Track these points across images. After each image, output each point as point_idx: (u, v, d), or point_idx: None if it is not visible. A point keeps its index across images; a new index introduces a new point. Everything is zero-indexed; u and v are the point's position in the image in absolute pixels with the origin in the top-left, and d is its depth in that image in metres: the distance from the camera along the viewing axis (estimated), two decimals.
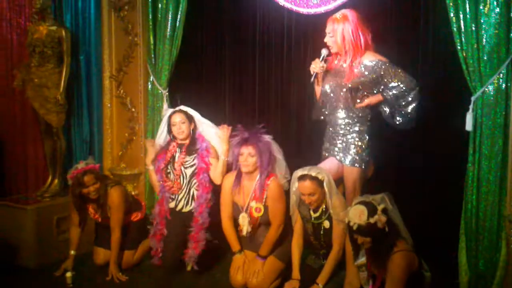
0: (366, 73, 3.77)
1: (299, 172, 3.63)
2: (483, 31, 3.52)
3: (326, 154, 3.98)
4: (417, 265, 3.18)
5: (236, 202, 4.03)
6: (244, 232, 3.98)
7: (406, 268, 3.08)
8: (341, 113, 3.86)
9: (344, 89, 3.81)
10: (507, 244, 3.58)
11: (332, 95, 3.88)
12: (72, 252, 4.30)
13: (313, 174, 3.56)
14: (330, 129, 3.96)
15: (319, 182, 3.55)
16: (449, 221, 3.92)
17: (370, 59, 3.78)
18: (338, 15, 3.79)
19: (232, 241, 4.05)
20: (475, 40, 3.54)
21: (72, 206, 4.27)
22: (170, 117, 4.24)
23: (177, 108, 4.30)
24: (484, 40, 3.52)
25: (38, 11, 4.82)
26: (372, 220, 3.05)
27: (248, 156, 3.86)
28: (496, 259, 3.64)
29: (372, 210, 3.08)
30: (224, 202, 4.08)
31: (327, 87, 3.90)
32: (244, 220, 3.97)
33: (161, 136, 4.40)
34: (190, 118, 4.24)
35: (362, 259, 3.19)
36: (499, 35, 3.47)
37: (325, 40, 3.84)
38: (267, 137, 3.95)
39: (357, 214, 3.09)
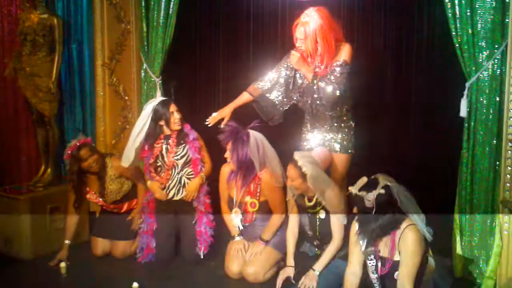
0: (338, 74, 3.67)
1: (294, 155, 3.63)
2: (478, 17, 3.51)
3: (310, 146, 3.96)
4: (426, 251, 3.17)
5: (230, 194, 4.06)
6: (236, 228, 4.04)
7: (419, 241, 3.06)
8: (315, 107, 3.82)
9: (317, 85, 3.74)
10: (501, 230, 3.59)
11: (306, 92, 3.83)
12: (67, 241, 4.29)
13: (299, 163, 3.52)
14: (316, 123, 3.94)
15: (302, 174, 3.52)
16: (443, 207, 3.92)
17: (344, 56, 3.68)
18: (306, 17, 3.64)
19: (231, 226, 4.10)
20: (470, 26, 3.53)
21: (69, 193, 4.30)
22: (164, 106, 4.14)
23: (161, 99, 4.22)
24: (479, 25, 3.51)
25: None
26: (360, 194, 3.08)
27: (228, 151, 3.94)
28: (490, 244, 3.66)
29: (370, 187, 3.09)
30: (222, 189, 4.13)
31: (307, 83, 3.84)
32: (236, 216, 4.03)
33: (143, 130, 4.18)
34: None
35: (372, 248, 3.20)
36: (494, 20, 3.47)
37: (297, 45, 3.73)
38: (251, 134, 3.89)
39: (358, 183, 3.14)
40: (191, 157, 4.18)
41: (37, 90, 4.71)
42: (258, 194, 3.95)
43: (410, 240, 3.06)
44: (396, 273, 3.13)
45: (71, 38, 5.10)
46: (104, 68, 4.99)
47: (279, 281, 3.67)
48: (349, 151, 3.91)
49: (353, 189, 3.14)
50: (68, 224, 4.34)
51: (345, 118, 3.89)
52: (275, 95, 4.02)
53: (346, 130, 3.90)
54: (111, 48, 4.94)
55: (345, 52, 3.70)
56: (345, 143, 3.89)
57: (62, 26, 4.77)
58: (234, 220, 4.03)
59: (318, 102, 3.75)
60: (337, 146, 3.89)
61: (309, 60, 3.78)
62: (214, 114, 4.10)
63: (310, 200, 3.67)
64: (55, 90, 4.74)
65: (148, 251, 4.27)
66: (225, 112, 4.08)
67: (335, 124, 3.88)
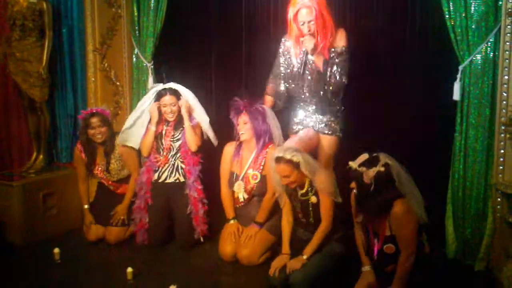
0: (337, 60, 3.75)
1: (275, 153, 3.54)
2: (471, 0, 3.49)
3: (299, 128, 3.99)
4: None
5: (234, 171, 4.10)
6: (241, 199, 4.06)
7: (407, 212, 3.11)
8: (317, 93, 3.85)
9: (317, 70, 3.80)
10: (494, 212, 3.62)
11: (304, 74, 3.86)
12: (86, 206, 4.50)
13: (288, 156, 3.46)
14: (305, 106, 3.97)
15: (294, 164, 3.47)
16: (437, 190, 3.94)
17: (342, 43, 3.76)
18: (308, 2, 3.65)
19: (228, 208, 4.14)
20: (463, 9, 3.52)
21: (76, 161, 4.50)
22: (160, 95, 4.21)
23: (167, 86, 4.24)
24: (472, 8, 3.51)
25: None
26: (359, 169, 3.10)
27: (242, 124, 3.96)
28: (482, 227, 3.69)
29: (370, 163, 3.10)
30: (224, 171, 4.16)
31: (299, 67, 3.86)
32: (239, 188, 4.05)
33: (143, 106, 4.34)
34: (179, 98, 4.23)
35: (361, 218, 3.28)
36: (487, 3, 3.46)
37: (304, 28, 3.70)
38: (263, 107, 4.00)
39: (358, 159, 3.16)
40: (182, 141, 4.23)
41: (28, 75, 4.67)
42: (261, 167, 4.00)
43: (399, 213, 3.10)
44: (385, 246, 3.18)
45: (61, 23, 5.02)
46: (95, 53, 4.95)
47: (274, 269, 3.57)
48: (337, 133, 3.94)
49: (353, 164, 3.15)
50: (80, 190, 4.54)
51: (334, 101, 3.91)
52: (283, 87, 4.07)
53: (334, 112, 3.93)
54: (102, 33, 4.89)
55: (342, 38, 3.76)
56: (332, 125, 3.92)
57: (51, 11, 4.72)
58: (239, 193, 4.06)
59: (325, 88, 3.78)
60: (325, 128, 3.92)
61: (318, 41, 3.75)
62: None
63: (301, 187, 3.63)
64: (46, 76, 4.71)
65: (141, 226, 4.30)
66: None
67: (323, 107, 3.91)
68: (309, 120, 3.97)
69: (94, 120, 4.32)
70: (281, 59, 4.01)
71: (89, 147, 4.39)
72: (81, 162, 4.48)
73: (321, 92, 3.84)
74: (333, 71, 3.73)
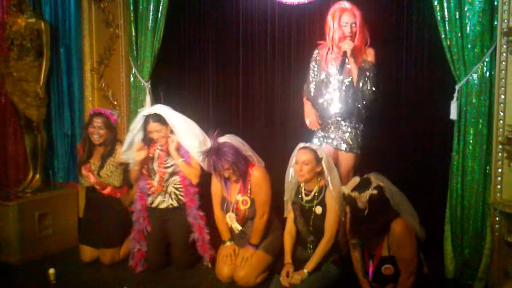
0: (368, 74, 3.78)
1: (301, 144, 3.64)
2: (467, 19, 3.53)
3: (320, 142, 3.99)
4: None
5: (225, 196, 4.05)
6: (236, 231, 4.03)
7: (407, 232, 3.10)
8: (338, 103, 3.87)
9: (347, 81, 3.84)
10: (492, 231, 3.60)
11: (333, 85, 3.90)
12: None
13: (314, 147, 3.60)
14: (324, 117, 3.97)
15: (316, 157, 3.55)
16: (434, 209, 3.93)
17: (370, 58, 3.83)
18: (346, 4, 3.80)
19: (223, 230, 4.10)
20: (459, 29, 3.55)
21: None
22: (146, 122, 4.09)
23: (152, 112, 4.09)
24: (468, 28, 3.53)
25: (16, 3, 4.74)
26: (352, 194, 3.09)
27: (227, 172, 3.88)
28: (481, 247, 3.67)
29: (362, 187, 3.10)
30: (215, 194, 4.11)
31: (329, 77, 3.91)
32: (232, 219, 4.01)
33: (133, 132, 4.18)
34: (166, 123, 4.08)
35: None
36: (483, 23, 3.49)
37: (347, 29, 3.78)
38: (229, 141, 3.87)
39: (350, 183, 3.17)
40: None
41: (25, 95, 4.67)
42: (249, 192, 3.95)
43: (400, 234, 3.10)
44: (384, 267, 3.15)
45: (59, 43, 5.05)
46: (93, 72, 4.96)
47: (284, 279, 3.55)
48: (355, 151, 3.92)
49: (346, 189, 3.15)
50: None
51: (356, 116, 3.91)
52: (314, 92, 4.06)
53: (355, 130, 3.92)
54: (99, 52, 4.92)
55: (371, 54, 3.85)
56: (351, 142, 3.91)
57: (49, 31, 4.75)
58: (232, 224, 4.01)
59: (357, 102, 3.83)
60: (343, 145, 3.92)
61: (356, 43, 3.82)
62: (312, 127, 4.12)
63: (307, 194, 3.65)
64: (43, 95, 4.71)
65: (140, 256, 4.20)
66: (314, 119, 4.08)
67: (345, 123, 3.92)
68: (329, 134, 3.97)
69: (97, 120, 4.22)
70: (314, 67, 4.03)
71: (88, 144, 4.29)
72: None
73: (353, 105, 3.85)
74: (366, 85, 3.76)
